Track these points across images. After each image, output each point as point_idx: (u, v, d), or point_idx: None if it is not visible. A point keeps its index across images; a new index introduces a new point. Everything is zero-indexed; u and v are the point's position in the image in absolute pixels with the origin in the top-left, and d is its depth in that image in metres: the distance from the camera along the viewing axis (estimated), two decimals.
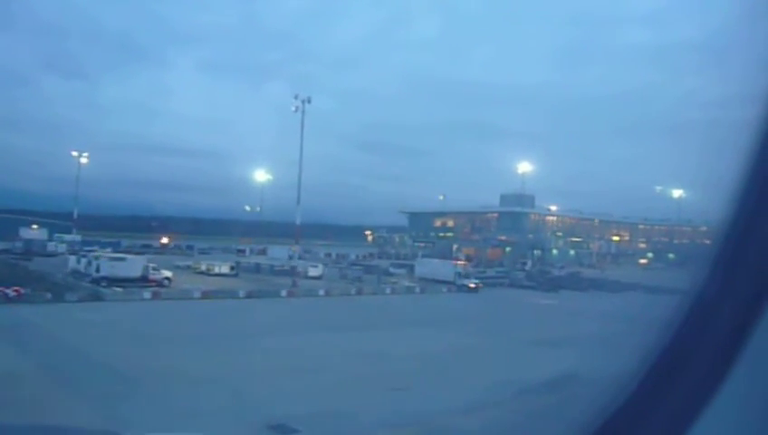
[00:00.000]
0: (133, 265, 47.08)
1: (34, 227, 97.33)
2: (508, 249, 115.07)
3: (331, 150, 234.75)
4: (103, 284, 44.02)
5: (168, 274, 48.26)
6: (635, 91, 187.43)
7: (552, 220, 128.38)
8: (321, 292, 48.80)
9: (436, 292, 55.41)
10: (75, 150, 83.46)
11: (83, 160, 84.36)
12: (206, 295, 43.00)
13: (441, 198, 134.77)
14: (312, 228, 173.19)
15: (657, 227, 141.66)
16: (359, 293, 50.61)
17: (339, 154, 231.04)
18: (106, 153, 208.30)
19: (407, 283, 57.64)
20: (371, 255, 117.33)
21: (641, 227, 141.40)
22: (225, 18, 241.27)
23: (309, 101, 51.84)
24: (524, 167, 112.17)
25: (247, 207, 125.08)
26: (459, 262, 62.01)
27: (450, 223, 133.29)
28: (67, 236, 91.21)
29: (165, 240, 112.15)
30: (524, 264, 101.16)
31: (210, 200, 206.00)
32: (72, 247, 72.59)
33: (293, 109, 51.36)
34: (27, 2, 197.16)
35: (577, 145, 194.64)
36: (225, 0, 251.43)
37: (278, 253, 76.98)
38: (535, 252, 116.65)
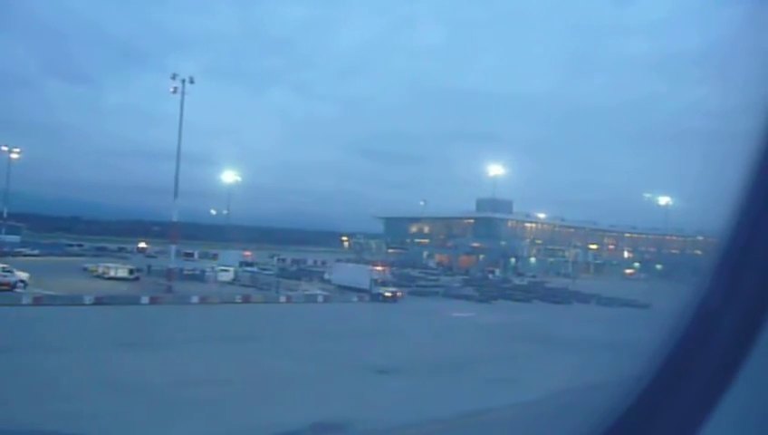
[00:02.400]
0: None
1: None
2: (482, 256, 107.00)
3: (333, 157, 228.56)
4: None
5: (23, 276, 41.23)
6: (638, 100, 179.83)
7: (532, 227, 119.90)
8: (195, 299, 41.24)
9: (345, 301, 47.66)
10: (5, 146, 76.04)
11: (14, 156, 77.30)
12: (38, 301, 35.76)
13: (422, 203, 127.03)
14: (296, 234, 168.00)
15: (645, 236, 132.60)
16: (245, 301, 43.00)
17: (340, 161, 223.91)
18: (112, 158, 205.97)
19: (316, 290, 49.94)
20: (338, 260, 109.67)
21: (628, 235, 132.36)
22: (226, 25, 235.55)
23: (191, 81, 44.53)
24: (499, 171, 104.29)
25: (213, 211, 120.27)
26: (378, 267, 54.17)
27: (426, 229, 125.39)
28: (8, 238, 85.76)
29: (142, 245, 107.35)
30: (492, 272, 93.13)
31: (218, 206, 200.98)
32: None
33: (171, 90, 44.15)
34: (30, 7, 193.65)
35: (579, 154, 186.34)
36: (227, 7, 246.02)
37: (228, 258, 70.30)
38: (511, 260, 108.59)
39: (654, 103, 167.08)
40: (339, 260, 67.59)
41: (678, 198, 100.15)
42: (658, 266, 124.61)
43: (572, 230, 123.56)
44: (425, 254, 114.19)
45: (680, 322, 2.17)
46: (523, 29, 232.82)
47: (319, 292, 48.60)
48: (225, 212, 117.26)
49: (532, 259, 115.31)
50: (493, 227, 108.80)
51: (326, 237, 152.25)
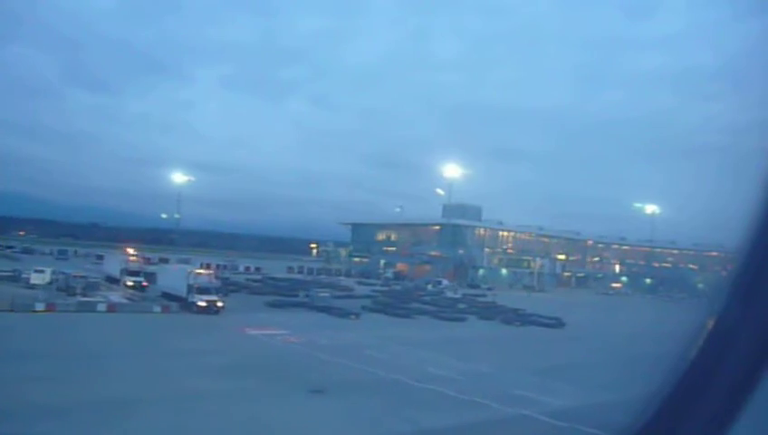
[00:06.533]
0: None
1: None
2: (442, 266, 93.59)
3: (347, 167, 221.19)
4: None
5: None
6: (651, 115, 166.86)
7: (504, 236, 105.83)
8: None
9: (139, 311, 35.71)
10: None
11: None
12: None
13: (398, 209, 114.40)
14: (277, 242, 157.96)
15: (636, 249, 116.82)
16: None
17: (354, 171, 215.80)
18: (133, 166, 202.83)
19: (114, 297, 38.20)
20: (290, 268, 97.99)
21: (616, 247, 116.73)
22: (244, 36, 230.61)
23: None
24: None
25: (164, 215, 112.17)
26: (199, 271, 42.16)
27: (393, 236, 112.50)
28: None
29: (130, 250, 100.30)
30: (439, 282, 79.60)
31: (237, 215, 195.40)
32: None
33: None
34: (53, 19, 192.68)
35: (590, 168, 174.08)
36: (244, 18, 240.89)
37: (111, 262, 57.97)
38: (471, 270, 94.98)
39: (667, 118, 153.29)
40: (165, 261, 55.21)
41: (685, 212, 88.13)
42: (648, 281, 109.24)
43: (551, 240, 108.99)
44: (381, 263, 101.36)
45: (696, 338, 2.02)
46: (538, 43, 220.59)
47: (111, 299, 36.82)
48: (176, 216, 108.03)
49: (504, 270, 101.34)
50: (454, 234, 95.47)
51: (296, 244, 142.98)
